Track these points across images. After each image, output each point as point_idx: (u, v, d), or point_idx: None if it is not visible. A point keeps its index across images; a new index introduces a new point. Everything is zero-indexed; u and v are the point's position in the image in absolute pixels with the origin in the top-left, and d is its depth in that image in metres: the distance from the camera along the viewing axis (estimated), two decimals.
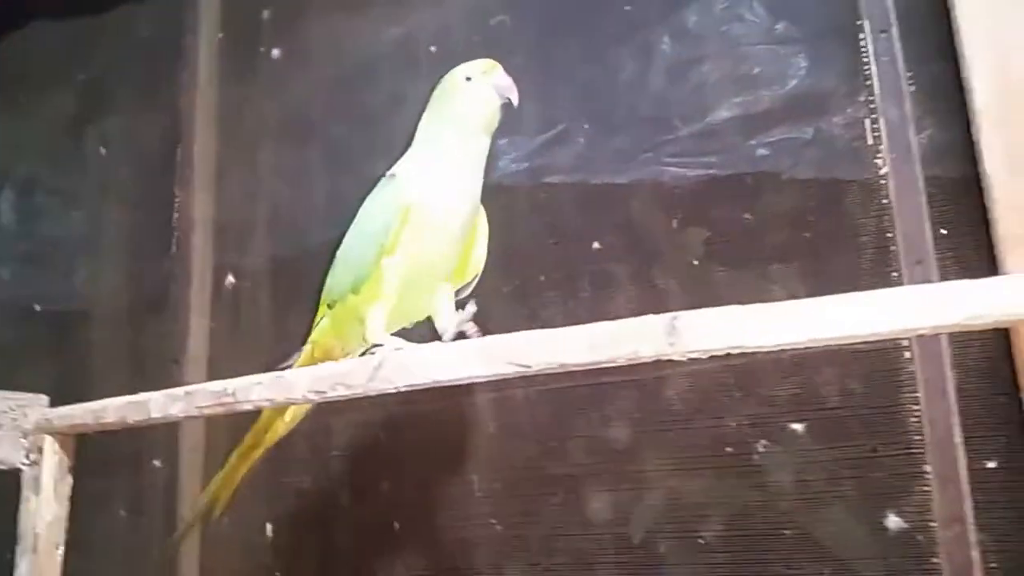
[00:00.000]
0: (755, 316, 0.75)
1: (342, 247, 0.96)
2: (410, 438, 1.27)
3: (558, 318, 1.18)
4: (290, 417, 1.04)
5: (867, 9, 1.10)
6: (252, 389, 0.88)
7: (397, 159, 1.40)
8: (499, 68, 0.92)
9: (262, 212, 1.49)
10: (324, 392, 0.85)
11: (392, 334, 0.91)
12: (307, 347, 1.00)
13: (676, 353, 0.76)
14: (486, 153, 0.92)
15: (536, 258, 1.22)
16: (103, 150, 1.65)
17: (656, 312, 1.13)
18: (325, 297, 0.97)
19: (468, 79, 0.92)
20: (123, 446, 1.41)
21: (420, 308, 0.96)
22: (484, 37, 1.35)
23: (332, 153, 1.45)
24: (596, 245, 1.21)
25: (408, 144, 0.96)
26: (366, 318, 0.90)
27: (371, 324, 0.90)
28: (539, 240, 1.23)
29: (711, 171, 1.17)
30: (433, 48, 1.39)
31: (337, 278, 0.95)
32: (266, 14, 1.56)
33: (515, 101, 0.92)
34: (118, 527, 1.43)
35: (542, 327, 0.81)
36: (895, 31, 1.08)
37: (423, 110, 0.96)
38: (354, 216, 0.96)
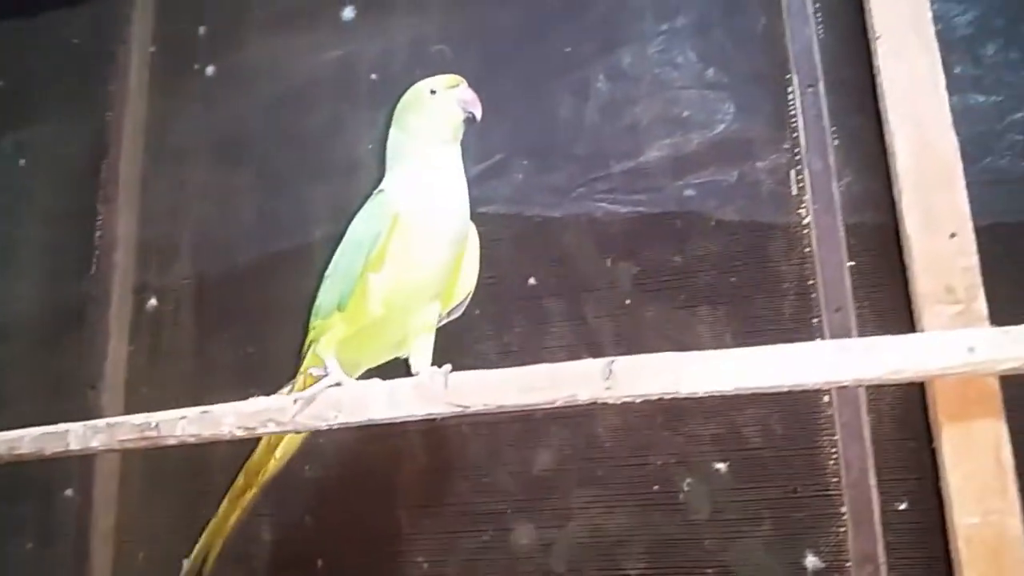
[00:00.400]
0: (688, 363, 0.77)
1: (330, 264, 0.94)
2: (335, 471, 1.24)
3: (492, 353, 1.19)
4: (281, 453, 1.00)
5: (796, 63, 1.15)
6: (176, 423, 0.85)
7: (333, 183, 1.40)
8: (463, 83, 0.94)
9: (188, 232, 1.44)
10: (253, 428, 0.84)
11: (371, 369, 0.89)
12: (299, 379, 0.96)
13: (612, 397, 0.78)
14: (461, 163, 0.93)
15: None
16: (22, 161, 1.58)
17: (588, 349, 1.15)
18: (312, 320, 0.94)
19: (433, 92, 0.93)
20: (33, 473, 1.33)
21: (403, 332, 0.92)
22: (425, 67, 1.35)
23: (264, 175, 1.42)
24: (532, 280, 1.22)
25: (378, 165, 0.96)
26: (325, 332, 0.88)
27: (325, 338, 0.89)
28: None
29: (642, 209, 1.20)
30: (374, 76, 1.39)
31: (323, 295, 0.93)
32: (202, 30, 1.53)
33: (478, 115, 0.93)
34: (24, 561, 1.36)
35: (476, 362, 0.82)
36: (822, 86, 1.13)
37: (386, 130, 0.95)
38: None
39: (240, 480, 0.99)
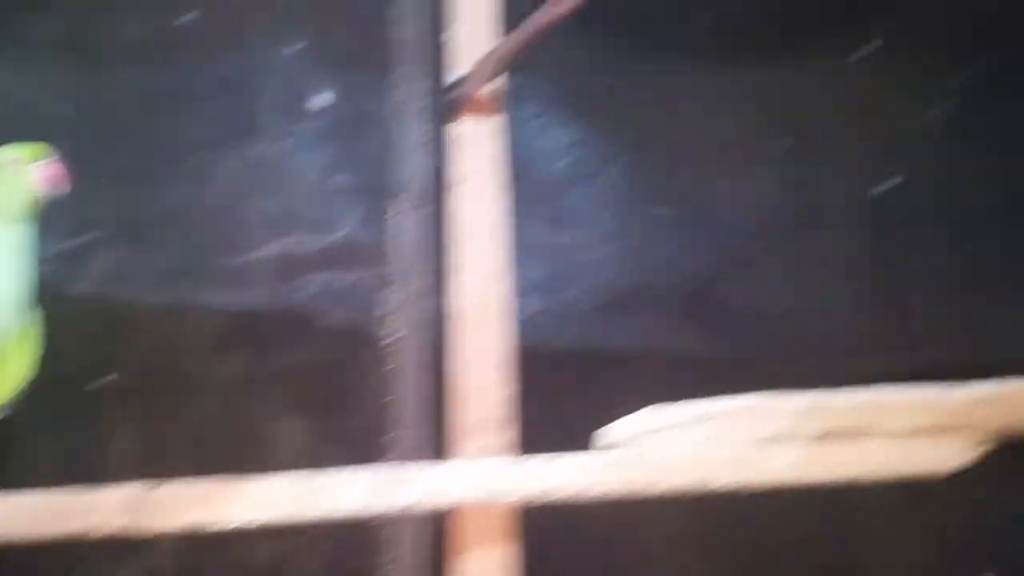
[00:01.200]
0: (225, 491, 0.74)
1: None
2: None
3: (37, 468, 1.05)
4: None
5: (407, 186, 1.21)
6: None
7: None
8: (47, 154, 0.85)
9: None
10: None
11: None
12: None
13: (142, 529, 0.72)
14: (29, 245, 0.82)
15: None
16: None
17: (158, 464, 1.07)
18: None
19: (7, 162, 0.83)
20: None
21: None
22: (16, 130, 1.21)
23: None
24: (108, 376, 1.11)
25: None
26: None
27: None
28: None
29: (244, 307, 1.17)
30: None
31: None
32: None
33: (63, 191, 0.85)
34: None
35: (13, 478, 0.72)
36: (424, 211, 1.20)
37: None
38: None
39: None
